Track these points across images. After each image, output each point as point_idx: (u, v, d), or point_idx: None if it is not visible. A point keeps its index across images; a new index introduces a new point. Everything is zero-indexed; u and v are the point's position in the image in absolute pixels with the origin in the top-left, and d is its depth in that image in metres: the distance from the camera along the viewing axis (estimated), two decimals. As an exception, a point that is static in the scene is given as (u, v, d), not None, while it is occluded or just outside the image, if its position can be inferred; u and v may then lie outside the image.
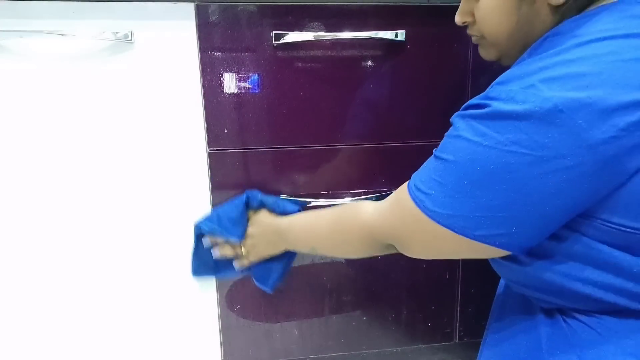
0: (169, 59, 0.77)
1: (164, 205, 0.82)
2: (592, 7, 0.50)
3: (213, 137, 0.80)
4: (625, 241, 0.48)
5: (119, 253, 0.83)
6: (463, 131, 0.50)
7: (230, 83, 0.78)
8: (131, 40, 0.74)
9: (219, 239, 0.78)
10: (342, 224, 0.68)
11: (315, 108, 0.81)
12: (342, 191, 0.85)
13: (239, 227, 0.77)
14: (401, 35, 0.79)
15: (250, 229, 0.77)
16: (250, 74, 0.79)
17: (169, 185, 0.81)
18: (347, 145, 0.84)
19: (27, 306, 0.83)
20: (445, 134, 0.53)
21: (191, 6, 0.75)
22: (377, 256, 0.69)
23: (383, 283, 0.90)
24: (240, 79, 0.79)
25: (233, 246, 0.78)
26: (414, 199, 0.54)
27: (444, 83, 0.84)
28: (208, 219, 0.78)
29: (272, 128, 0.81)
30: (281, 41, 0.77)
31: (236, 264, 0.79)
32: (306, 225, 0.73)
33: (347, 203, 0.70)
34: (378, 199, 0.84)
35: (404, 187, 0.58)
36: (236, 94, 0.79)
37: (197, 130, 0.80)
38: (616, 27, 0.46)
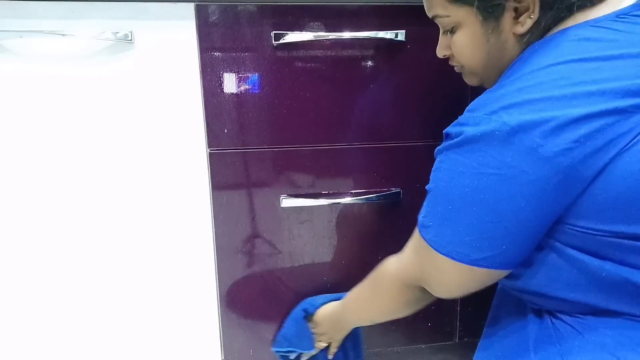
0: (169, 59, 0.77)
1: (164, 205, 0.82)
2: (552, 32, 0.55)
3: (213, 137, 0.80)
4: (592, 244, 0.51)
5: (119, 253, 0.83)
6: (442, 162, 0.55)
7: (230, 83, 0.78)
8: (131, 40, 0.74)
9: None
10: (378, 286, 0.72)
11: (315, 108, 0.81)
12: (342, 191, 0.85)
13: (306, 339, 0.86)
14: (401, 35, 0.79)
15: (317, 328, 0.85)
16: (250, 74, 0.79)
17: (169, 185, 0.81)
18: (347, 145, 0.84)
19: (27, 306, 0.83)
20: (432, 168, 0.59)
21: (191, 6, 0.75)
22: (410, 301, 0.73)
23: (383, 283, 0.90)
24: (240, 79, 0.79)
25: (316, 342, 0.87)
26: (423, 236, 0.58)
27: (444, 83, 0.84)
28: (280, 345, 0.88)
29: (272, 128, 0.81)
30: (281, 41, 0.77)
31: (330, 351, 0.88)
32: (353, 302, 0.79)
33: (372, 272, 0.75)
34: (378, 199, 0.85)
35: (416, 229, 0.62)
36: (236, 94, 0.79)
37: (197, 130, 0.80)
38: (570, 51, 0.50)
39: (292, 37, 0.77)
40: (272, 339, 0.90)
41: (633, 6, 0.51)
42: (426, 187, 0.58)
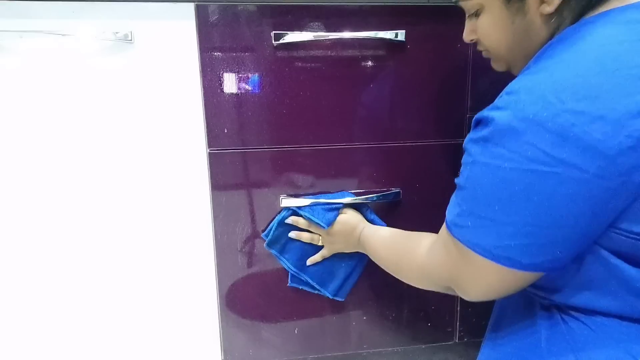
0: (169, 58, 0.77)
1: (164, 205, 0.82)
2: (591, 14, 0.51)
3: (213, 137, 0.80)
4: (633, 250, 0.47)
5: (119, 253, 0.83)
6: (479, 156, 0.49)
7: (230, 83, 0.78)
8: (131, 40, 0.74)
9: (302, 222, 0.82)
10: (402, 260, 0.68)
11: (315, 108, 0.81)
12: (342, 191, 0.85)
13: (330, 215, 0.80)
14: (401, 35, 0.79)
15: (335, 227, 0.80)
16: (250, 74, 0.79)
17: (169, 185, 0.81)
18: (347, 145, 0.84)
19: (27, 306, 0.83)
20: (462, 161, 0.53)
21: (191, 6, 0.75)
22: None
23: (383, 283, 0.90)
24: (240, 79, 0.79)
25: (314, 234, 0.82)
26: (456, 236, 0.53)
27: (444, 83, 0.84)
28: (302, 202, 0.82)
29: (272, 128, 0.81)
30: (281, 41, 0.77)
31: (312, 258, 0.84)
32: (381, 247, 0.74)
33: (409, 235, 0.70)
34: (378, 199, 0.85)
35: (444, 227, 0.57)
36: (236, 94, 0.79)
37: (197, 130, 0.80)
38: (622, 33, 0.45)
39: (292, 37, 0.77)
40: (268, 335, 0.89)
41: None
42: (456, 180, 0.53)
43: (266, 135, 0.81)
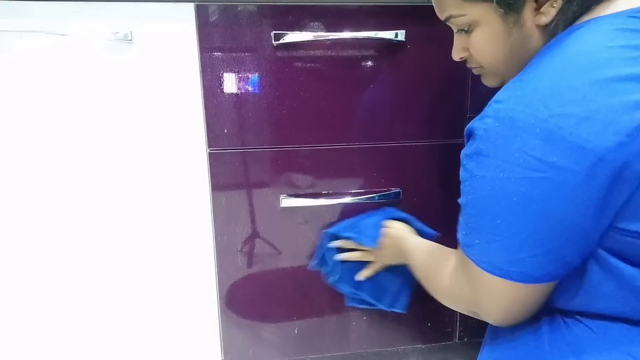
0: (168, 58, 0.77)
1: (164, 205, 0.82)
2: (581, 21, 0.51)
3: (213, 137, 0.80)
4: (631, 250, 0.47)
5: (119, 253, 0.83)
6: (475, 170, 0.49)
7: (230, 83, 0.78)
8: (131, 40, 0.74)
9: (349, 244, 0.81)
10: (433, 281, 0.67)
11: (315, 108, 0.81)
12: (342, 191, 0.85)
13: (376, 231, 0.79)
14: (401, 35, 0.79)
15: (383, 239, 0.79)
16: (250, 74, 0.79)
17: (169, 185, 0.81)
18: (347, 145, 0.84)
19: (27, 306, 0.83)
20: (460, 177, 0.53)
21: (191, 6, 0.75)
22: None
23: (383, 283, 0.90)
24: (240, 79, 0.79)
25: (363, 251, 0.81)
26: (468, 256, 0.52)
27: (444, 83, 0.84)
28: (343, 226, 0.83)
29: (272, 128, 0.81)
30: (281, 41, 0.77)
31: (363, 272, 0.82)
32: (418, 264, 0.72)
33: (441, 254, 0.67)
34: (378, 199, 0.84)
35: (459, 249, 0.57)
36: (236, 94, 0.79)
37: (197, 130, 0.80)
38: (609, 39, 0.45)
39: (292, 37, 0.77)
40: (268, 335, 0.89)
41: None
42: (459, 200, 0.53)
43: (266, 135, 0.81)
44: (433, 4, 0.61)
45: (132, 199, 0.81)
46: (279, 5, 0.76)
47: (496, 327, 0.64)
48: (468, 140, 0.52)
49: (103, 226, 0.81)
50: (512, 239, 0.47)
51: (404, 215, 0.83)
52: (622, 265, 0.47)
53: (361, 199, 0.84)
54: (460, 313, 0.95)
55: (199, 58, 0.77)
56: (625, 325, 0.50)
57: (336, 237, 0.83)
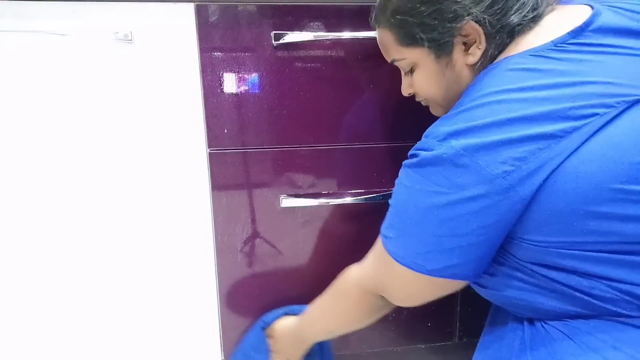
0: (168, 59, 0.77)
1: (164, 205, 0.82)
2: (498, 59, 0.59)
3: (213, 137, 0.80)
4: (546, 257, 0.54)
5: (119, 253, 0.83)
6: (403, 179, 0.59)
7: (230, 83, 0.78)
8: (131, 40, 0.74)
9: None
10: (339, 293, 0.75)
11: (315, 108, 0.81)
12: (342, 191, 0.85)
13: (262, 353, 0.84)
14: (401, 35, 0.79)
15: (274, 344, 0.84)
16: (250, 74, 0.79)
17: (169, 185, 0.81)
18: (347, 145, 0.84)
19: (27, 306, 0.83)
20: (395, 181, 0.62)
21: (191, 6, 0.75)
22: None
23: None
24: (240, 79, 0.79)
25: None
26: (384, 245, 0.62)
27: (444, 83, 0.84)
28: (236, 357, 0.87)
29: (272, 128, 0.81)
30: (281, 41, 0.77)
31: None
32: (312, 313, 0.79)
33: (329, 289, 0.77)
34: (379, 199, 0.84)
35: (378, 239, 0.66)
36: (236, 94, 0.79)
37: (197, 130, 0.80)
38: (510, 80, 0.53)
39: (292, 37, 0.77)
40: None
41: (570, 34, 0.55)
42: (389, 200, 0.62)
43: (266, 135, 0.81)
44: (381, 49, 0.70)
45: (132, 199, 0.81)
46: (279, 5, 0.76)
47: (488, 327, 0.71)
48: (409, 157, 0.60)
49: (103, 226, 0.81)
50: (415, 237, 0.57)
51: (279, 312, 0.85)
52: (550, 273, 0.55)
53: (361, 199, 0.84)
54: (460, 313, 0.95)
55: (199, 58, 0.77)
56: (591, 321, 0.56)
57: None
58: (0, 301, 0.82)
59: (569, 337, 0.56)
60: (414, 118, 0.84)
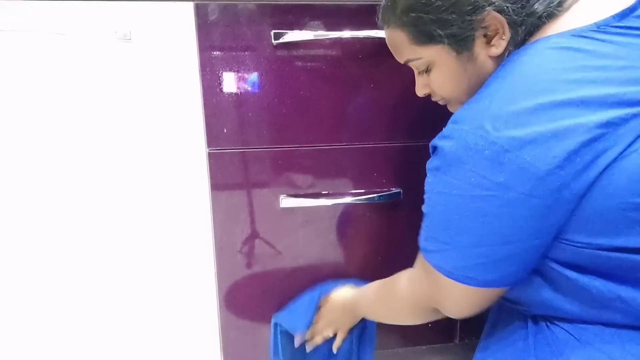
0: (168, 58, 0.76)
1: (164, 205, 0.82)
2: (529, 42, 0.54)
3: (212, 137, 0.80)
4: (581, 259, 0.50)
5: (119, 253, 0.83)
6: (434, 185, 0.55)
7: (229, 82, 0.78)
8: (130, 39, 0.74)
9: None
10: (391, 302, 0.72)
11: (315, 108, 0.81)
12: (342, 191, 0.85)
13: (306, 315, 0.83)
14: (402, 34, 0.79)
15: (326, 314, 0.83)
16: (250, 74, 0.78)
17: (169, 185, 0.81)
18: (347, 145, 0.83)
19: (26, 306, 0.83)
20: (425, 187, 0.57)
21: (190, 5, 0.75)
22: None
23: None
24: (239, 79, 0.78)
25: (319, 331, 0.84)
26: (427, 260, 0.57)
27: (444, 82, 0.83)
28: (282, 315, 0.86)
29: (272, 128, 0.81)
30: (281, 40, 0.77)
31: (334, 345, 0.85)
32: (370, 296, 0.77)
33: (387, 280, 0.74)
34: (379, 199, 0.84)
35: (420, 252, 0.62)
36: (236, 94, 0.79)
37: (197, 130, 0.80)
38: (552, 59, 0.49)
39: (292, 36, 0.76)
40: (268, 336, 0.89)
41: (614, 17, 0.50)
42: (422, 208, 0.58)
43: (266, 135, 0.81)
44: (391, 50, 0.65)
45: (131, 199, 0.81)
46: (279, 4, 0.76)
47: (490, 331, 0.69)
48: (432, 153, 0.55)
49: (102, 226, 0.81)
50: (462, 249, 0.52)
51: (338, 283, 0.85)
52: (574, 275, 0.51)
53: (361, 199, 0.84)
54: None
55: (198, 57, 0.77)
56: (599, 326, 0.54)
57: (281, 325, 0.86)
58: (0, 301, 0.82)
59: (574, 337, 0.54)
60: (414, 117, 0.84)
